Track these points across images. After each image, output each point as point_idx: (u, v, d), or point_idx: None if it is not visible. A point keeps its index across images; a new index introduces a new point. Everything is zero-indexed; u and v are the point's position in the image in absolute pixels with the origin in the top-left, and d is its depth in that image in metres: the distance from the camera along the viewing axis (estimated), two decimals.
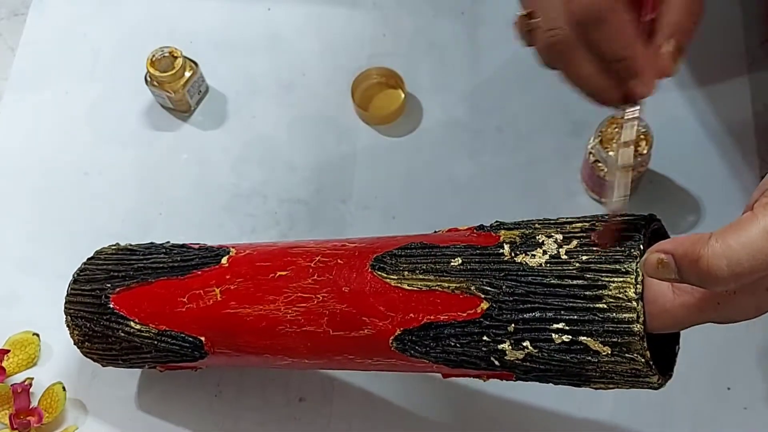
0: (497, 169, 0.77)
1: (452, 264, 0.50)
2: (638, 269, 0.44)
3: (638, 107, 0.48)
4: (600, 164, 0.70)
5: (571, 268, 0.46)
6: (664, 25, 0.46)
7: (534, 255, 0.48)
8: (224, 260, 0.59)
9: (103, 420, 0.69)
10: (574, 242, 0.47)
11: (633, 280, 0.44)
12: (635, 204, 0.74)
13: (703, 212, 0.73)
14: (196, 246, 0.62)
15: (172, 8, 0.87)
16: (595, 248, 0.46)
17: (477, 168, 0.77)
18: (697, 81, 0.79)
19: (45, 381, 0.70)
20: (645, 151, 0.68)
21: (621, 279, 0.44)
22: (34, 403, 0.68)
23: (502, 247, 0.49)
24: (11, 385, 0.68)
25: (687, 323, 0.43)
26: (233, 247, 0.60)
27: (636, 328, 0.43)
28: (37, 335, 0.71)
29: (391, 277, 0.51)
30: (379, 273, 0.52)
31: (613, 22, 0.45)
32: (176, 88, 0.78)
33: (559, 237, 0.48)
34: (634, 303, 0.44)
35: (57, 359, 0.71)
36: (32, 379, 0.68)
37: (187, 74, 0.79)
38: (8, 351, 0.70)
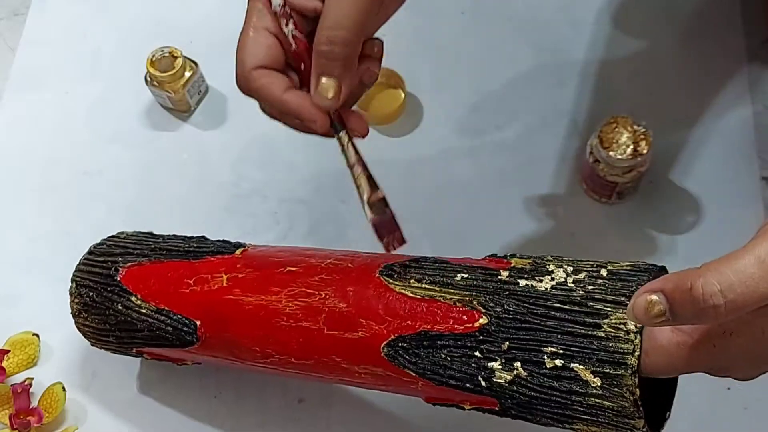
0: (497, 169, 0.77)
1: (458, 278, 0.50)
2: None
3: (341, 132, 0.52)
4: (600, 164, 0.70)
5: (575, 295, 0.46)
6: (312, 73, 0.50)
7: (541, 280, 0.48)
8: (239, 252, 0.60)
9: (102, 420, 0.69)
10: (583, 274, 0.47)
11: None
12: (636, 204, 0.74)
13: (703, 212, 0.73)
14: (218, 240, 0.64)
15: (172, 8, 0.87)
16: (600, 281, 0.46)
17: (477, 168, 0.77)
18: (698, 81, 0.79)
19: (45, 381, 0.70)
20: (645, 151, 0.68)
21: (624, 311, 0.44)
22: (34, 403, 0.68)
23: (512, 270, 0.49)
24: (11, 385, 0.68)
25: (680, 366, 0.41)
26: (251, 244, 0.61)
27: (630, 361, 0.43)
28: (37, 335, 0.71)
29: (397, 283, 0.51)
30: (386, 279, 0.52)
31: (261, 94, 0.50)
32: (176, 88, 0.78)
33: (570, 269, 0.48)
34: (633, 336, 0.43)
35: (57, 359, 0.72)
36: (32, 379, 0.68)
37: (187, 74, 0.79)
38: (8, 351, 0.70)
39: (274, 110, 0.51)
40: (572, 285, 0.47)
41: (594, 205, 0.74)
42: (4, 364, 0.69)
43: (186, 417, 0.69)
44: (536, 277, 0.48)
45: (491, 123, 0.79)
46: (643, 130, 0.69)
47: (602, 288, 0.46)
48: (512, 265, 0.50)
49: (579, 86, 0.80)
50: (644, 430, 0.45)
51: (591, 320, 0.45)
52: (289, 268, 0.56)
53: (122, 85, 0.83)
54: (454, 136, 0.79)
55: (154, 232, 0.66)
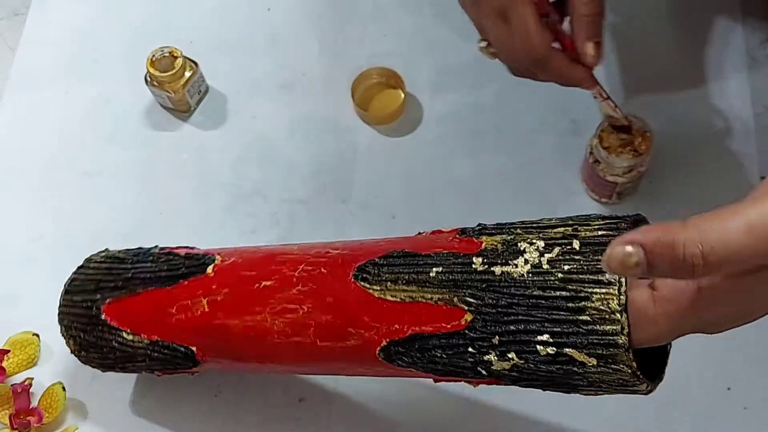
0: (497, 169, 0.77)
1: (432, 274, 0.49)
2: (621, 279, 0.43)
3: (595, 89, 0.65)
4: (600, 164, 0.70)
5: (553, 278, 0.45)
6: (576, 35, 0.61)
7: (516, 264, 0.47)
8: (210, 269, 0.58)
9: (102, 420, 0.69)
10: (556, 250, 0.46)
11: (616, 291, 0.43)
12: (636, 204, 0.74)
13: (703, 212, 0.73)
14: (183, 252, 0.62)
15: (172, 8, 0.87)
16: (577, 257, 0.45)
17: (477, 168, 0.77)
18: (697, 81, 0.79)
19: (45, 381, 0.70)
20: (645, 151, 0.68)
21: (604, 290, 0.43)
22: (34, 403, 0.68)
23: (484, 256, 0.48)
24: (11, 385, 0.68)
25: (670, 333, 0.41)
26: (219, 254, 0.60)
27: (620, 341, 0.43)
28: (37, 335, 0.71)
29: (374, 287, 0.51)
30: (363, 284, 0.51)
31: (551, 65, 0.61)
32: (176, 88, 0.78)
33: (541, 244, 0.47)
34: (618, 315, 0.43)
35: (57, 359, 0.72)
36: (32, 379, 0.68)
37: (187, 74, 0.79)
38: (8, 351, 0.70)
39: (551, 77, 0.62)
40: (548, 267, 0.46)
41: (594, 205, 0.74)
42: (4, 364, 0.69)
43: (187, 416, 0.69)
44: (510, 261, 0.47)
45: (491, 123, 0.79)
46: (644, 129, 0.69)
47: (579, 266, 0.45)
48: (483, 246, 0.48)
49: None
50: (648, 389, 0.45)
51: (574, 305, 0.44)
52: (264, 283, 0.55)
53: (122, 85, 0.83)
54: (454, 136, 0.79)
55: (120, 251, 0.65)
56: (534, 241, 0.47)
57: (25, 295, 0.74)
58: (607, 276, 0.44)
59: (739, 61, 0.79)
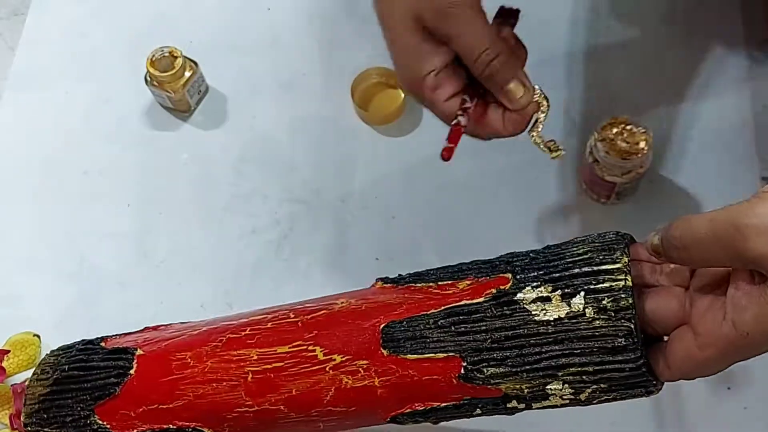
0: (497, 169, 0.77)
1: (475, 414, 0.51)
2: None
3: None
4: (599, 164, 0.70)
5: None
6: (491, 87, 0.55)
7: (551, 400, 0.50)
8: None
9: None
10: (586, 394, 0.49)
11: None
12: (635, 205, 0.74)
13: (702, 212, 0.73)
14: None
15: (172, 8, 0.87)
16: (604, 395, 0.49)
17: (477, 168, 0.77)
18: (698, 81, 0.79)
19: None
20: (644, 152, 0.68)
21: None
22: None
23: (512, 401, 0.50)
24: (11, 385, 0.68)
25: (717, 370, 0.47)
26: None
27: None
28: (38, 336, 0.71)
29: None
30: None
31: (431, 105, 0.58)
32: (176, 88, 0.78)
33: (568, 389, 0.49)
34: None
35: None
36: None
37: (187, 74, 0.79)
38: (8, 351, 0.70)
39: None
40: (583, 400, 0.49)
41: (593, 205, 0.74)
42: (4, 364, 0.69)
43: None
44: (544, 401, 0.50)
45: None
46: (643, 130, 0.69)
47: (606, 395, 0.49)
48: (503, 392, 0.49)
49: (579, 86, 0.80)
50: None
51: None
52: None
53: (122, 85, 0.83)
54: None
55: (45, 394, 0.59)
56: (563, 389, 0.49)
57: (26, 295, 0.74)
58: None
59: (739, 61, 0.79)
